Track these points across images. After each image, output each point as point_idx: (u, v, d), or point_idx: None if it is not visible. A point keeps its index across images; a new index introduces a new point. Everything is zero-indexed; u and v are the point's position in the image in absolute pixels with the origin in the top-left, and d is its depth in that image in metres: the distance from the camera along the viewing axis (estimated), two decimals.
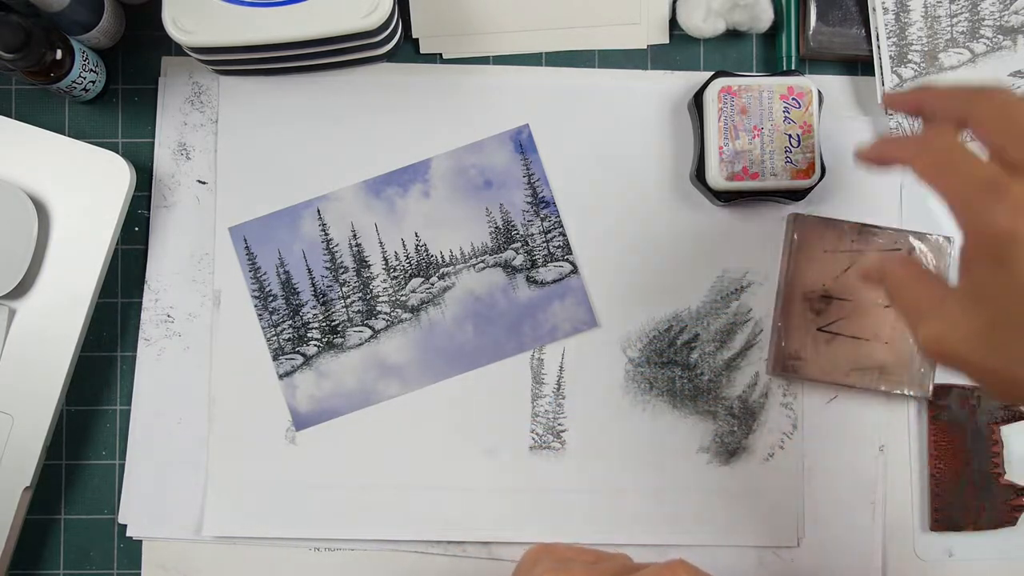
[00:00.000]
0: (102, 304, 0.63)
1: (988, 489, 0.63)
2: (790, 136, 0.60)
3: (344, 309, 0.63)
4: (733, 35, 0.64)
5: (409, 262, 0.64)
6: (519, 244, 0.64)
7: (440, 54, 0.64)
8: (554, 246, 0.64)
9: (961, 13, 0.62)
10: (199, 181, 0.64)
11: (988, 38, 0.62)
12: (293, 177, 0.64)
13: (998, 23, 0.62)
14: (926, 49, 0.62)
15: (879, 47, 0.62)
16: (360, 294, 0.63)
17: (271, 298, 0.63)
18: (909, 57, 0.62)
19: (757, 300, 0.64)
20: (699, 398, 0.63)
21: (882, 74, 0.62)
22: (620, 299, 0.64)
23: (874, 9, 0.62)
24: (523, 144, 0.64)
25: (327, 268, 0.63)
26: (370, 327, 0.63)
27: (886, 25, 0.62)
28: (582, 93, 0.64)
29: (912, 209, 0.64)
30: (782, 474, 0.63)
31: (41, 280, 0.60)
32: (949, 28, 0.62)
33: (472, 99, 0.64)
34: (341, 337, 0.63)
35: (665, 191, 0.64)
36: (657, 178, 0.64)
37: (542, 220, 0.64)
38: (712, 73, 0.61)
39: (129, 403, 0.63)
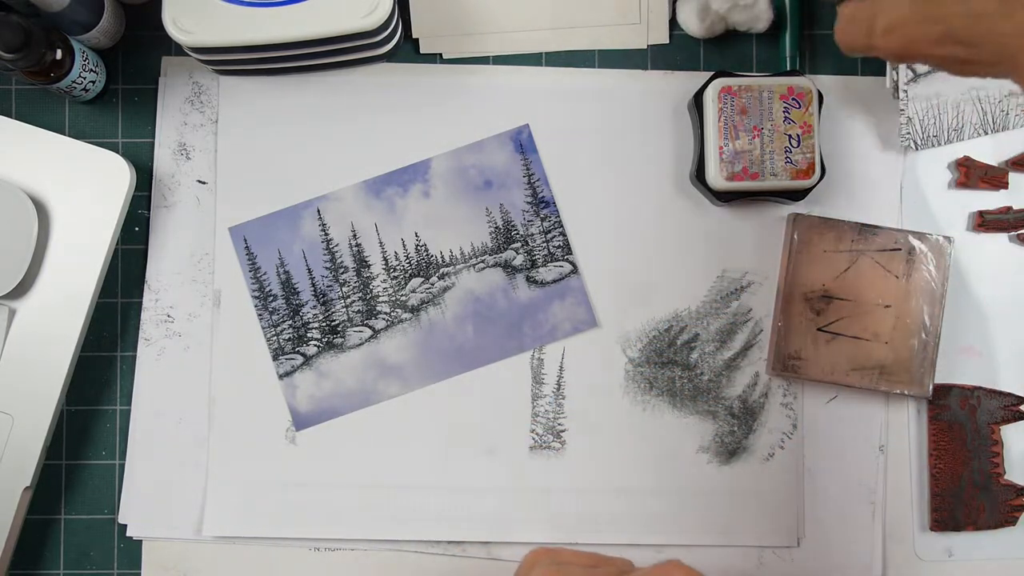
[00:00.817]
0: (102, 304, 0.63)
1: (988, 489, 0.63)
2: (790, 136, 0.60)
3: (344, 309, 0.63)
4: (733, 35, 0.64)
5: (409, 262, 0.64)
6: (519, 244, 0.64)
7: (440, 54, 0.64)
8: (554, 246, 0.64)
9: None
10: (199, 181, 0.64)
11: None
12: (293, 177, 0.64)
13: None
14: None
15: None
16: (360, 294, 0.63)
17: (271, 298, 0.63)
18: None
19: (757, 300, 0.64)
20: (699, 398, 0.63)
21: (896, 72, 0.62)
22: (620, 299, 0.64)
23: None
24: (523, 144, 0.64)
25: (327, 268, 0.63)
26: (370, 327, 0.63)
27: None
28: (582, 93, 0.64)
29: (912, 209, 0.64)
30: (782, 474, 0.63)
31: (41, 280, 0.60)
32: None
33: (472, 99, 0.64)
34: (341, 337, 0.63)
35: (665, 191, 0.64)
36: (657, 178, 0.64)
37: (542, 220, 0.64)
38: (712, 73, 0.61)
39: (129, 403, 0.63)
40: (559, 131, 0.64)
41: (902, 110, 0.62)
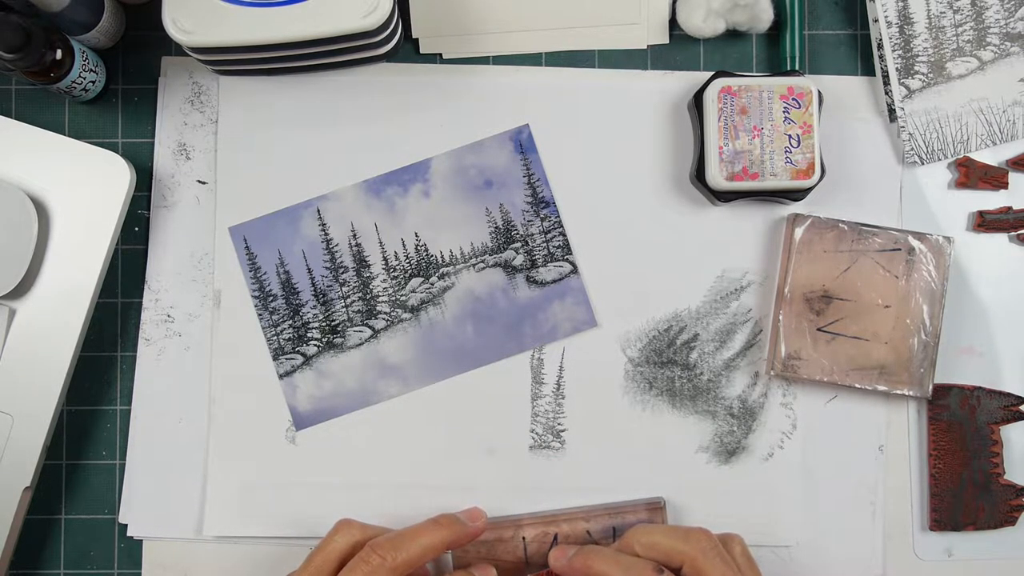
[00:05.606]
0: (102, 304, 0.63)
1: (988, 489, 0.63)
2: (790, 136, 0.60)
3: (344, 309, 0.63)
4: (733, 35, 0.64)
5: (409, 262, 0.64)
6: (519, 244, 0.64)
7: (440, 54, 0.64)
8: (554, 246, 0.64)
9: (966, 22, 0.62)
10: (199, 181, 0.64)
11: (995, 45, 0.62)
12: (293, 177, 0.64)
13: (1004, 30, 0.62)
14: (933, 59, 0.62)
15: (883, 59, 0.62)
16: (360, 294, 0.63)
17: (271, 298, 0.63)
18: (916, 68, 0.62)
19: (757, 300, 0.64)
20: (699, 398, 0.63)
21: (889, 86, 0.62)
22: (620, 299, 0.64)
23: (875, 20, 0.62)
24: (523, 144, 0.64)
25: (327, 268, 0.63)
26: (370, 327, 0.63)
27: (890, 38, 0.62)
28: (582, 93, 0.64)
29: (912, 209, 0.64)
30: (782, 474, 0.63)
31: (41, 280, 0.60)
32: (955, 38, 0.62)
33: (472, 99, 0.64)
34: (341, 337, 0.63)
35: (665, 191, 0.64)
36: (657, 178, 0.64)
37: (542, 220, 0.64)
38: (712, 73, 0.61)
39: (129, 403, 0.63)
40: (559, 131, 0.64)
41: (902, 127, 0.62)
